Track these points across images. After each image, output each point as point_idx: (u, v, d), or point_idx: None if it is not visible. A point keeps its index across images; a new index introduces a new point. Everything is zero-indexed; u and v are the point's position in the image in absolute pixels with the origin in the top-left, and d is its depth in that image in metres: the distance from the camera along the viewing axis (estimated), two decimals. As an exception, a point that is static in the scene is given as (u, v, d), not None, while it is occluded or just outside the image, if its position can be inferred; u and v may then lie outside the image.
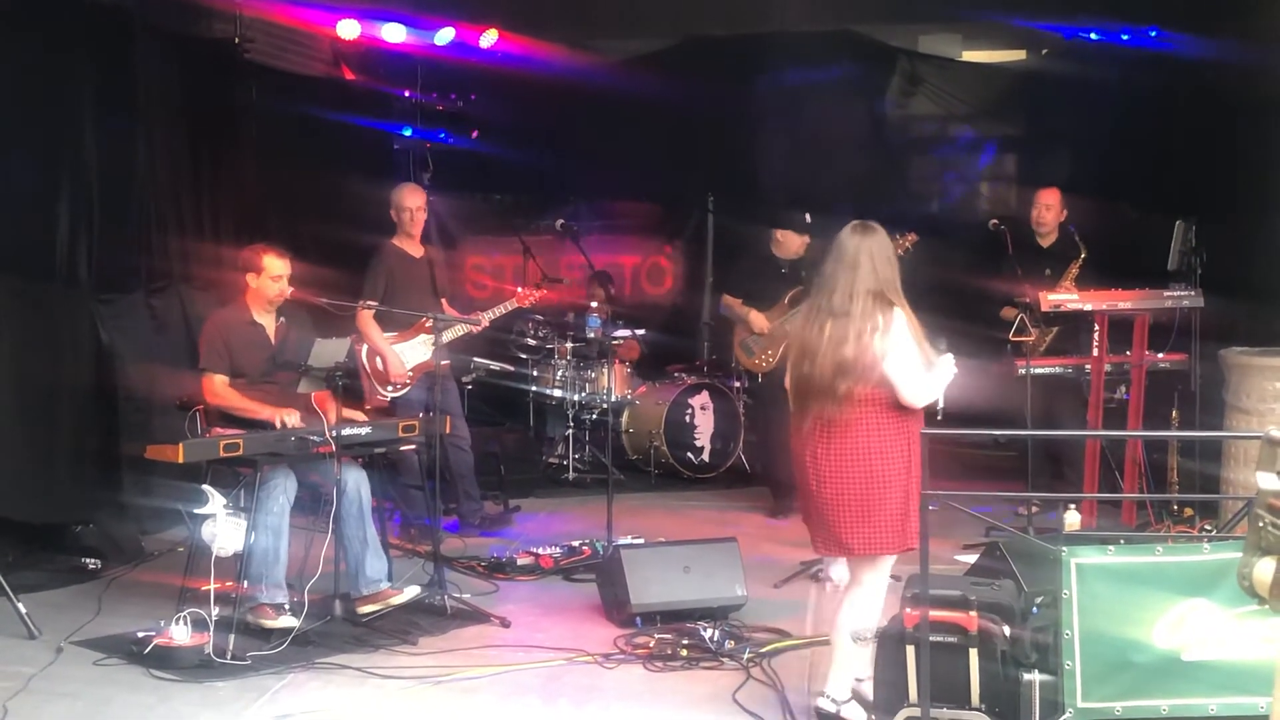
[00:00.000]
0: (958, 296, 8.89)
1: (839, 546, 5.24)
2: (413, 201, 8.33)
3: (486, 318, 8.38)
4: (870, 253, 5.27)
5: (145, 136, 8.58)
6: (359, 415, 6.82)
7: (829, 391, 5.12)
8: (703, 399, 10.54)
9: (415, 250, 8.37)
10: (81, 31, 8.06)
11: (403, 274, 8.25)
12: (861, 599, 5.26)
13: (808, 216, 9.02)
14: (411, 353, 8.25)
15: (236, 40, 9.85)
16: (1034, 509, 8.11)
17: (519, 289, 8.67)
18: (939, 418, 5.73)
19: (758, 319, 8.97)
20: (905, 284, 5.32)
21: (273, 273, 6.75)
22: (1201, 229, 7.99)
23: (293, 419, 6.43)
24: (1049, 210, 8.80)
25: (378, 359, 8.18)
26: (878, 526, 5.11)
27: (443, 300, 8.40)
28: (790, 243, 9.03)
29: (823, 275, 5.39)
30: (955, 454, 10.18)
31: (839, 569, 7.14)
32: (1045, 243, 8.85)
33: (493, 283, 12.47)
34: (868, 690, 5.24)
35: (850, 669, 5.23)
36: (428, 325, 7.96)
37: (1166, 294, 7.84)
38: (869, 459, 5.10)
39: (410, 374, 8.20)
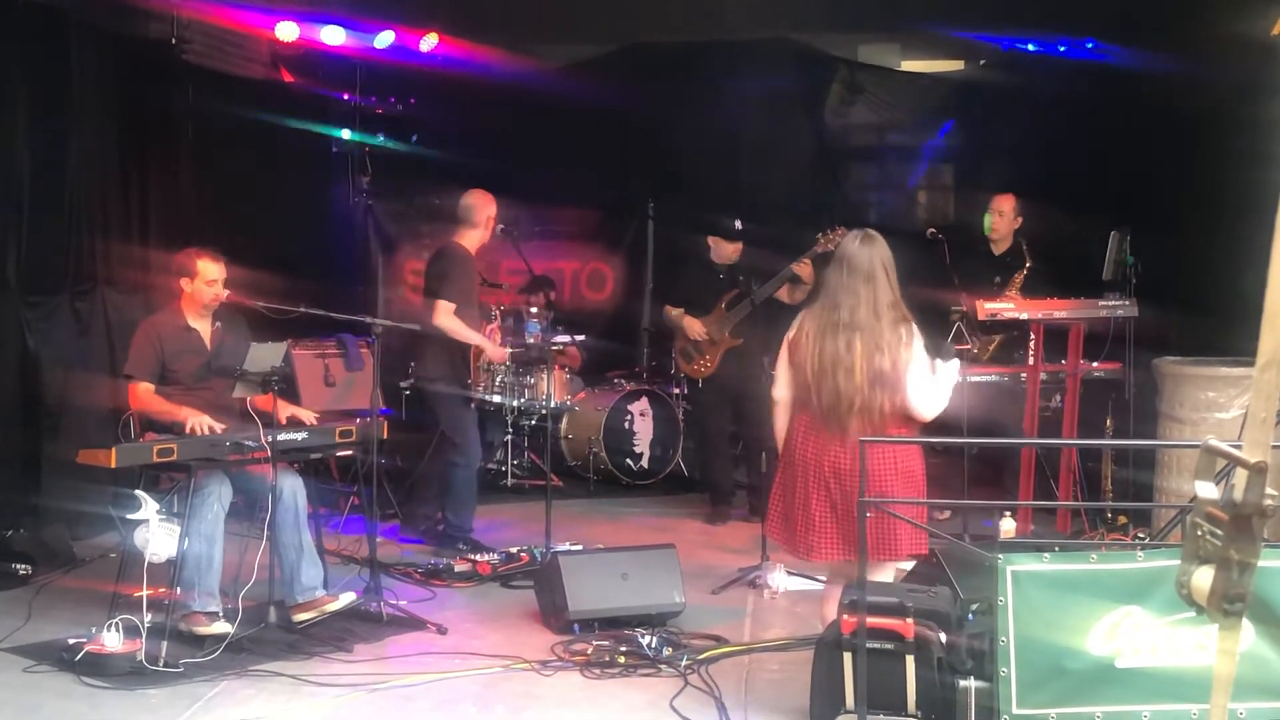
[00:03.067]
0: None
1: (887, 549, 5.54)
2: (493, 209, 8.34)
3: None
4: (884, 265, 5.48)
5: (78, 137, 8.44)
6: (307, 416, 6.75)
7: (869, 406, 5.37)
8: (642, 405, 10.54)
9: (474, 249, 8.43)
10: (14, 29, 7.92)
11: (473, 275, 8.38)
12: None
13: (738, 223, 9.09)
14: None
15: (173, 41, 9.72)
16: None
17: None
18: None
19: (691, 324, 9.03)
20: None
21: (207, 276, 6.67)
22: (1137, 239, 8.04)
23: (203, 424, 6.30)
24: (1002, 217, 8.74)
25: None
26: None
27: None
28: (723, 249, 9.10)
29: (833, 287, 5.50)
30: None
31: (778, 576, 7.17)
32: (998, 250, 8.80)
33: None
34: None
35: None
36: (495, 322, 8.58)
37: (1101, 303, 7.87)
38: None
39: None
